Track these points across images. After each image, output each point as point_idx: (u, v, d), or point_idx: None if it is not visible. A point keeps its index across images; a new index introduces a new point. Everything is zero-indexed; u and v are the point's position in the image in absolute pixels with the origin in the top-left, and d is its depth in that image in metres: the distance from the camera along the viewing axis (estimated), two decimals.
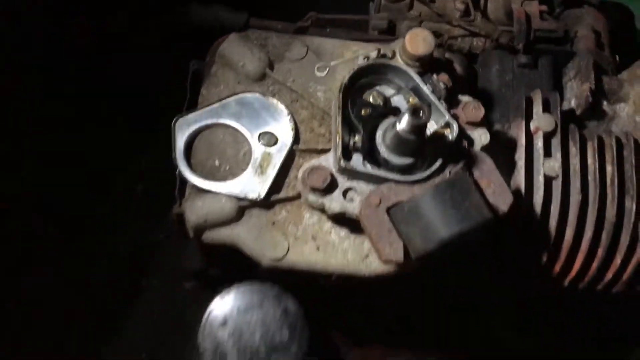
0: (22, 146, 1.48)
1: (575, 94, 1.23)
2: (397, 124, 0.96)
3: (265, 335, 0.76)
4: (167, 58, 1.54)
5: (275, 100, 1.15)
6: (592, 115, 1.24)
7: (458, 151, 1.04)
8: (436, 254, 0.97)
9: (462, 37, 1.29)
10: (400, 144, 1.00)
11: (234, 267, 1.15)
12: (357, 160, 1.02)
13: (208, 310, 0.78)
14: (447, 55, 1.20)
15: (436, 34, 1.21)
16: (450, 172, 1.00)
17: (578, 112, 1.23)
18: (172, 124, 1.11)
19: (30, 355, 1.38)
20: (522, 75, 1.26)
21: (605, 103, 1.26)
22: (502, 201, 1.01)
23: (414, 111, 0.91)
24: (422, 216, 0.95)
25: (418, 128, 0.93)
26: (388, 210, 0.99)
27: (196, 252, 1.33)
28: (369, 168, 1.01)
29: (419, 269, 1.08)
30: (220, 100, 1.14)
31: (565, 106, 1.25)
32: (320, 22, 1.25)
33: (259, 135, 1.12)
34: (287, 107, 1.14)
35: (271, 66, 1.16)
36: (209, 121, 1.13)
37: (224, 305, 0.78)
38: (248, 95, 1.15)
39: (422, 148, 1.01)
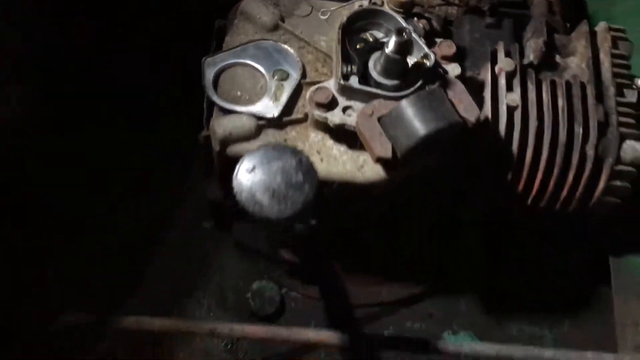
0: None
1: (532, 48, 1.49)
2: (386, 47, 1.22)
3: (284, 177, 0.98)
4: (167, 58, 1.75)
5: (286, 46, 1.41)
6: (548, 66, 1.50)
7: (435, 76, 1.29)
8: (417, 151, 1.21)
9: (439, 6, 1.57)
10: (388, 67, 1.25)
11: None
12: (353, 81, 1.27)
13: (239, 163, 1.01)
14: (426, 14, 1.47)
15: (417, 2, 1.49)
16: (428, 88, 1.25)
17: (535, 62, 1.48)
18: (202, 62, 1.37)
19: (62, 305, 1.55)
20: (488, 34, 1.53)
21: (557, 57, 1.52)
22: (471, 114, 1.26)
23: (399, 31, 1.17)
24: (406, 120, 1.20)
25: (402, 46, 1.19)
26: (379, 119, 1.24)
27: (214, 189, 1.57)
28: (363, 86, 1.26)
29: (403, 179, 1.32)
30: (241, 45, 1.40)
31: (526, 61, 1.51)
32: None
33: (273, 72, 1.38)
34: (295, 51, 1.40)
35: (282, 20, 1.43)
36: (232, 61, 1.38)
37: (251, 158, 1.00)
38: (264, 41, 1.41)
39: (405, 71, 1.27)
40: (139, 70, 1.79)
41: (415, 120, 1.19)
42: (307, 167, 1.00)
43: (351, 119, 1.27)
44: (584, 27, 1.51)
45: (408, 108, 1.20)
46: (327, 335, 1.38)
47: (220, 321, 1.43)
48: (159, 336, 1.49)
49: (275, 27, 1.43)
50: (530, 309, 1.73)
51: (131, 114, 1.79)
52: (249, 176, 0.99)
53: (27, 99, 1.63)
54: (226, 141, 1.31)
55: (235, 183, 1.00)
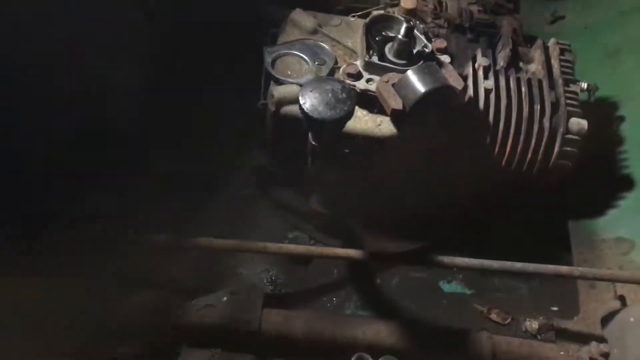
0: None
1: (502, 56, 2.03)
2: (398, 34, 1.75)
3: (333, 94, 1.45)
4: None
5: (323, 44, 1.94)
6: (514, 69, 2.03)
7: (432, 60, 1.81)
8: (420, 106, 1.70)
9: (432, 27, 2.13)
10: (399, 49, 1.78)
11: (293, 146, 1.84)
12: (374, 59, 1.79)
13: (302, 88, 1.49)
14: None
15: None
16: (426, 63, 1.76)
17: (505, 66, 2.02)
18: (264, 50, 1.89)
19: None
20: (470, 46, 2.07)
21: (521, 63, 2.06)
22: (458, 84, 1.76)
23: (407, 20, 1.71)
24: (411, 83, 1.69)
25: (409, 31, 1.72)
26: (393, 85, 1.74)
27: (261, 155, 2.04)
28: (381, 62, 1.78)
29: (410, 137, 1.80)
30: (290, 42, 1.93)
31: (497, 66, 2.04)
32: (349, 8, 2.10)
33: (314, 59, 1.89)
34: (329, 47, 1.93)
35: (320, 26, 1.97)
36: (285, 51, 1.91)
37: (312, 83, 1.48)
38: (307, 40, 1.94)
39: (411, 54, 1.79)
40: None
41: (418, 82, 1.68)
42: (347, 89, 1.48)
43: (372, 87, 1.77)
44: (539, 41, 2.05)
45: (413, 75, 1.70)
46: (351, 252, 1.79)
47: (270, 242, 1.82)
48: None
49: (315, 31, 1.97)
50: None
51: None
52: (310, 94, 1.47)
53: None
54: (280, 102, 1.79)
55: (301, 98, 1.47)
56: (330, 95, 1.47)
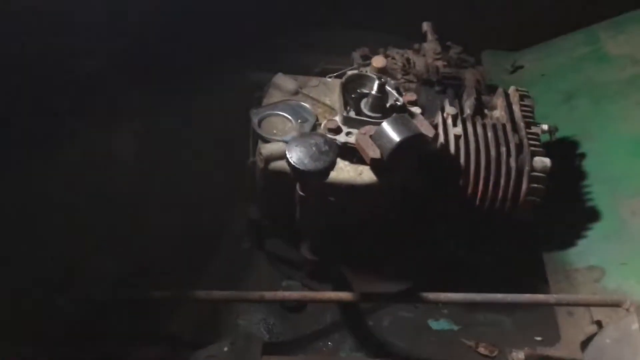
0: None
1: (468, 105, 2.22)
2: (371, 90, 1.93)
3: (316, 147, 1.60)
4: None
5: (304, 104, 2.11)
6: (479, 115, 2.22)
7: (405, 112, 1.99)
8: (396, 155, 1.85)
9: (403, 83, 2.32)
10: (373, 104, 1.95)
11: (283, 198, 1.98)
12: (352, 114, 1.96)
13: (289, 143, 1.65)
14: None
15: None
16: (399, 114, 1.94)
17: (471, 113, 2.20)
18: (250, 112, 2.05)
19: None
20: (438, 97, 2.27)
21: (485, 110, 2.25)
22: (430, 132, 1.93)
23: (379, 77, 1.89)
24: (386, 134, 1.85)
25: (382, 87, 1.90)
26: (370, 136, 1.90)
27: (255, 209, 2.18)
28: (358, 117, 1.95)
29: (389, 183, 1.96)
30: (274, 103, 2.10)
31: (464, 114, 2.23)
32: (325, 71, 2.29)
33: (297, 118, 2.06)
34: (310, 106, 2.11)
35: (300, 88, 2.15)
36: (269, 112, 2.07)
37: (296, 139, 1.64)
38: (289, 101, 2.12)
39: (385, 108, 1.97)
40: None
41: (393, 132, 1.85)
42: (330, 142, 1.64)
43: (352, 139, 1.93)
44: (500, 90, 2.26)
45: (387, 126, 1.86)
46: (342, 295, 1.91)
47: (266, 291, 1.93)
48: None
49: (296, 93, 2.14)
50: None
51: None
52: (295, 148, 1.62)
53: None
54: (269, 159, 1.94)
55: (288, 153, 1.63)
56: (314, 148, 1.63)
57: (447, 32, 2.79)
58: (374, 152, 1.87)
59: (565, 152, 2.45)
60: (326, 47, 2.78)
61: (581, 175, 2.38)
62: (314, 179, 1.66)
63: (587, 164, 2.40)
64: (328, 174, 1.65)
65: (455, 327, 2.22)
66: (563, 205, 2.30)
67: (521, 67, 2.89)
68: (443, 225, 2.17)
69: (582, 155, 2.43)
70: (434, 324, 2.22)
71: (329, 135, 1.92)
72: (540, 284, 2.23)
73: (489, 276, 2.23)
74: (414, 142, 1.86)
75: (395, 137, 1.83)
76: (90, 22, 1.85)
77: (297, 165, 1.60)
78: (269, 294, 1.89)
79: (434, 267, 2.26)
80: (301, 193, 1.76)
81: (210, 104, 2.30)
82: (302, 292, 1.94)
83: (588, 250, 2.20)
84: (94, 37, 1.83)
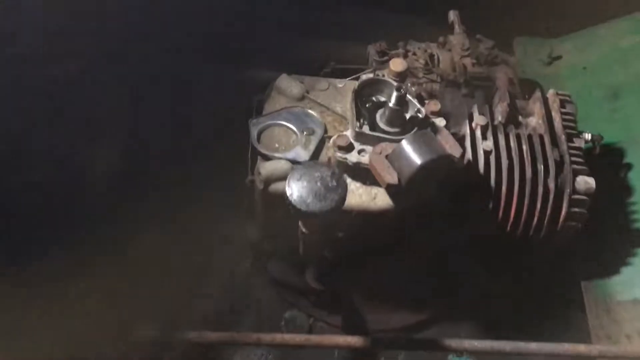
0: None
1: (500, 111, 1.92)
2: (389, 102, 1.64)
3: (322, 183, 1.34)
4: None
5: (311, 111, 1.83)
6: (513, 124, 1.92)
7: (426, 125, 1.70)
8: (417, 179, 1.58)
9: (425, 83, 2.02)
10: (391, 117, 1.67)
11: (284, 223, 1.73)
12: (365, 129, 1.68)
13: (289, 175, 1.38)
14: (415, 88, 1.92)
15: (410, 83, 1.95)
16: (421, 131, 1.65)
17: (503, 121, 1.91)
18: (249, 123, 1.78)
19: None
20: (465, 101, 1.97)
21: (520, 117, 1.95)
22: (456, 151, 1.65)
23: (398, 88, 1.60)
24: (406, 154, 1.58)
25: (401, 99, 1.61)
26: (386, 156, 1.63)
27: (254, 231, 1.93)
28: (373, 132, 1.67)
29: (407, 208, 1.69)
30: (277, 111, 1.82)
31: (495, 121, 1.93)
32: (336, 70, 1.99)
33: (302, 129, 1.79)
34: (318, 114, 1.82)
35: (307, 92, 1.87)
36: (271, 122, 1.80)
37: (299, 170, 1.37)
38: (294, 108, 1.84)
39: (404, 121, 1.68)
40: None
41: (414, 154, 1.57)
42: (338, 176, 1.37)
43: (365, 159, 1.65)
44: (537, 93, 1.95)
45: (407, 145, 1.59)
46: (352, 340, 1.67)
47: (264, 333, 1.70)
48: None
49: (302, 98, 1.86)
50: (520, 332, 2.00)
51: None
52: (297, 183, 1.36)
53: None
54: (268, 180, 1.68)
55: (288, 189, 1.36)
56: (319, 183, 1.36)
57: (475, 15, 2.48)
58: (390, 177, 1.60)
59: (609, 161, 2.15)
60: (337, 31, 2.48)
61: (627, 190, 2.09)
62: (318, 221, 1.40)
63: (635, 176, 2.10)
64: (336, 214, 1.38)
65: None
66: (605, 226, 2.02)
67: (559, 57, 2.56)
68: (468, 250, 1.90)
69: (629, 166, 2.13)
70: None
71: (339, 154, 1.66)
72: (577, 318, 1.98)
73: (519, 308, 1.98)
74: (438, 164, 1.59)
75: (417, 159, 1.56)
76: (72, 24, 1.58)
77: (297, 206, 1.33)
78: (266, 337, 1.66)
79: (456, 296, 2.01)
80: (304, 230, 1.50)
81: (206, 107, 2.02)
82: (305, 336, 1.70)
83: (633, 281, 1.94)
84: (77, 39, 1.57)
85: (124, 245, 1.96)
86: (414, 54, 2.06)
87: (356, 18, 2.62)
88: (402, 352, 1.98)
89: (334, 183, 1.37)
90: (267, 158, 1.72)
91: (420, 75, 2.03)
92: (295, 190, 1.35)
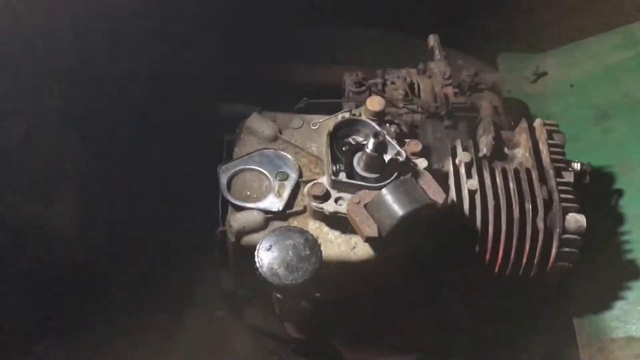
0: None
1: (484, 143, 1.82)
2: (366, 148, 1.53)
3: (295, 252, 1.24)
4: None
5: (284, 153, 1.72)
6: (498, 157, 1.82)
7: (407, 169, 1.60)
8: (398, 230, 1.48)
9: (405, 114, 1.91)
10: (369, 163, 1.56)
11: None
12: (342, 176, 1.57)
13: (259, 244, 1.27)
14: (395, 121, 1.81)
15: (387, 112, 1.84)
16: (402, 178, 1.55)
17: (488, 154, 1.81)
18: (217, 170, 1.67)
19: None
20: (448, 133, 1.87)
21: (505, 149, 1.85)
22: (439, 197, 1.55)
23: (375, 134, 1.49)
24: (387, 205, 1.48)
25: (379, 146, 1.50)
26: (365, 206, 1.52)
27: (228, 281, 1.82)
28: (350, 180, 1.56)
29: (389, 257, 1.59)
30: (248, 154, 1.71)
31: (480, 154, 1.83)
32: (310, 105, 1.87)
33: (275, 174, 1.68)
34: (292, 156, 1.72)
35: (280, 132, 1.76)
36: (241, 167, 1.69)
37: (269, 239, 1.27)
38: (266, 150, 1.73)
39: (383, 166, 1.58)
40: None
41: (394, 204, 1.47)
42: (312, 243, 1.27)
43: (342, 208, 1.55)
44: (523, 124, 1.85)
45: (387, 195, 1.49)
46: None
47: None
48: None
49: (274, 138, 1.75)
50: None
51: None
52: (267, 253, 1.26)
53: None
54: (240, 233, 1.58)
55: (257, 260, 1.26)
56: (291, 253, 1.26)
57: (457, 30, 2.38)
58: (370, 229, 1.50)
59: (599, 187, 2.06)
60: (311, 49, 2.37)
61: (618, 218, 2.00)
62: (293, 292, 1.29)
63: (626, 204, 2.02)
64: (309, 285, 1.28)
65: None
66: (596, 258, 1.93)
67: (545, 74, 2.45)
68: (454, 294, 1.81)
69: (619, 192, 2.04)
70: None
71: (314, 204, 1.55)
72: (569, 356, 1.89)
73: (508, 348, 1.89)
74: (420, 213, 1.49)
75: (398, 210, 1.46)
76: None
77: (268, 279, 1.23)
78: None
79: (442, 339, 1.93)
80: (278, 296, 1.40)
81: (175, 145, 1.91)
82: None
83: (627, 316, 1.85)
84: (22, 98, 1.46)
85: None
86: (393, 83, 1.95)
87: (331, 34, 2.52)
88: None
89: (307, 252, 1.27)
90: (238, 208, 1.61)
91: (400, 105, 1.92)
92: (265, 261, 1.25)
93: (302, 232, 1.30)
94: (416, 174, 1.59)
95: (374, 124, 1.65)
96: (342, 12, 2.50)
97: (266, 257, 1.25)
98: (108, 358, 1.81)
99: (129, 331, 1.86)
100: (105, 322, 1.83)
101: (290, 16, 2.38)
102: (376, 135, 1.50)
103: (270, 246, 1.26)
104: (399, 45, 2.48)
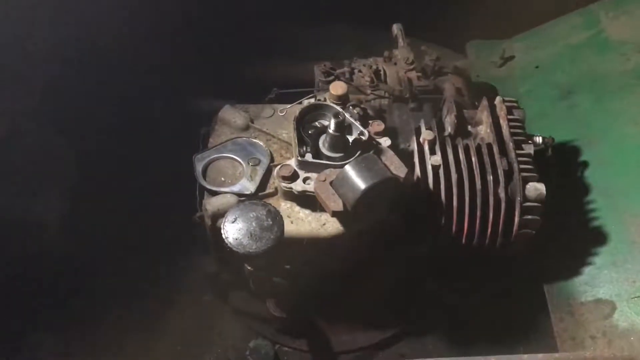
0: None
1: (448, 123, 1.92)
2: (328, 128, 1.63)
3: (258, 222, 1.33)
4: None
5: (256, 140, 1.82)
6: (462, 135, 1.92)
7: (370, 147, 1.69)
8: (362, 203, 1.57)
9: (373, 99, 2.01)
10: (332, 143, 1.66)
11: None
12: (308, 157, 1.67)
13: (224, 217, 1.37)
14: (362, 105, 1.91)
15: (355, 97, 1.94)
16: (364, 155, 1.64)
17: (452, 133, 1.90)
18: (193, 159, 1.77)
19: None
20: (413, 115, 1.97)
21: (469, 127, 1.94)
22: (400, 172, 1.64)
23: (335, 114, 1.59)
24: (350, 180, 1.57)
25: (340, 125, 1.60)
26: (331, 183, 1.62)
27: (211, 263, 1.91)
28: (316, 160, 1.66)
29: (358, 232, 1.68)
30: (222, 143, 1.81)
31: (445, 133, 1.92)
32: (281, 95, 1.98)
33: (248, 160, 1.78)
34: (264, 143, 1.81)
35: (252, 121, 1.86)
36: (215, 155, 1.79)
37: (233, 212, 1.36)
38: (239, 139, 1.83)
39: (347, 146, 1.67)
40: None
41: (357, 179, 1.56)
42: (274, 214, 1.37)
43: (310, 186, 1.64)
44: (484, 102, 1.94)
45: (350, 171, 1.58)
46: None
47: None
48: None
49: (247, 127, 1.85)
50: (488, 342, 1.99)
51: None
52: (232, 225, 1.35)
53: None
54: (215, 216, 1.67)
55: (223, 231, 1.35)
56: (254, 224, 1.35)
57: (427, 20, 2.48)
58: (335, 204, 1.59)
59: (564, 160, 2.14)
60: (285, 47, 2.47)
61: (582, 188, 2.08)
62: (257, 260, 1.39)
63: (590, 175, 2.10)
64: (273, 253, 1.37)
65: None
66: (563, 227, 2.01)
67: (512, 57, 2.55)
68: (425, 265, 1.90)
69: (584, 164, 2.13)
70: None
71: (283, 184, 1.65)
72: (542, 321, 1.97)
73: (482, 317, 1.97)
74: (383, 187, 1.58)
75: (360, 184, 1.55)
76: None
77: (234, 249, 1.33)
78: None
79: (420, 311, 2.01)
80: (249, 268, 1.49)
81: (154, 139, 2.01)
82: None
83: (594, 281, 1.93)
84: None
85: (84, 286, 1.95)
86: (360, 71, 2.05)
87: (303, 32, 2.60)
88: None
89: (269, 222, 1.36)
90: (213, 193, 1.71)
91: (368, 92, 2.02)
92: (230, 232, 1.35)
93: (265, 204, 1.40)
94: (379, 151, 1.69)
95: (337, 107, 1.74)
96: (317, 9, 2.59)
97: (231, 228, 1.35)
98: (99, 349, 1.89)
99: (118, 321, 1.94)
100: (94, 313, 1.91)
101: (267, 14, 2.48)
102: (336, 115, 1.60)
103: (235, 219, 1.36)
104: (372, 38, 2.57)
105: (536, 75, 2.44)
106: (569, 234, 2.02)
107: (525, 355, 1.64)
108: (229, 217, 1.36)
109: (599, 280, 1.92)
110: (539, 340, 1.98)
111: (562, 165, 2.12)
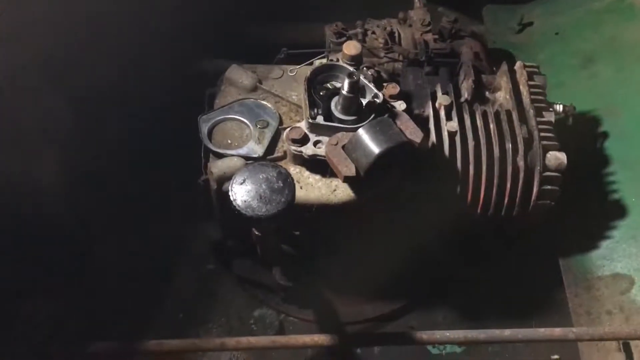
0: None
1: (465, 88, 1.83)
2: (342, 89, 1.54)
3: (268, 184, 1.26)
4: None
5: (264, 102, 1.74)
6: (480, 100, 1.83)
7: (385, 110, 1.61)
8: (375, 168, 1.50)
9: (386, 62, 1.92)
10: (345, 105, 1.57)
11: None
12: (319, 119, 1.59)
13: (232, 178, 1.30)
14: (375, 68, 1.82)
15: (368, 60, 1.85)
16: (378, 118, 1.56)
17: (469, 98, 1.81)
18: (198, 119, 1.68)
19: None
20: (428, 80, 1.87)
21: (487, 93, 1.86)
22: (416, 137, 1.56)
23: (349, 75, 1.51)
24: (363, 144, 1.49)
25: (354, 86, 1.52)
26: (343, 147, 1.54)
27: (215, 229, 1.85)
28: (327, 122, 1.58)
29: (370, 198, 1.61)
30: (228, 104, 1.73)
31: (462, 99, 1.84)
32: (290, 55, 1.89)
33: (256, 122, 1.69)
34: (272, 105, 1.73)
35: (260, 82, 1.77)
36: (222, 117, 1.71)
37: (242, 173, 1.29)
38: (246, 100, 1.74)
39: (360, 109, 1.59)
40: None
41: (371, 143, 1.48)
42: (285, 176, 1.29)
43: (321, 150, 1.57)
44: (504, 67, 1.85)
45: (364, 134, 1.50)
46: (320, 338, 1.60)
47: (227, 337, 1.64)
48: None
49: (254, 88, 1.76)
50: (500, 315, 1.94)
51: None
52: (241, 187, 1.28)
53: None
54: (221, 179, 1.59)
55: (231, 193, 1.28)
56: (264, 186, 1.28)
57: None
58: (348, 169, 1.51)
59: (584, 130, 2.06)
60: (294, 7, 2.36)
61: (603, 160, 2.01)
62: (267, 224, 1.32)
63: (610, 146, 2.02)
64: (285, 217, 1.30)
65: (459, 349, 1.92)
66: (582, 199, 1.94)
67: (530, 24, 2.44)
68: (439, 236, 1.83)
69: (604, 135, 2.05)
70: (434, 349, 1.92)
71: (293, 148, 1.57)
72: (556, 296, 1.91)
73: (495, 290, 1.91)
74: (397, 152, 1.50)
75: (374, 148, 1.47)
76: None
77: (243, 212, 1.25)
78: (230, 341, 1.59)
79: (430, 282, 1.95)
80: (257, 233, 1.42)
81: (159, 100, 1.92)
82: (271, 338, 1.63)
83: (613, 254, 1.86)
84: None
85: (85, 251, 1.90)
86: (373, 32, 1.96)
87: None
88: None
89: (280, 184, 1.28)
90: (219, 155, 1.64)
91: (382, 54, 1.93)
92: (238, 194, 1.27)
93: (275, 166, 1.32)
94: (394, 115, 1.60)
95: (350, 67, 1.66)
96: None
97: (239, 190, 1.27)
98: (99, 315, 1.83)
99: (119, 288, 1.88)
100: (94, 279, 1.86)
101: None
102: (350, 75, 1.51)
103: (244, 180, 1.28)
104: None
105: (556, 42, 2.34)
106: (586, 206, 1.95)
107: (542, 329, 1.59)
108: (238, 178, 1.28)
109: (618, 255, 1.86)
110: (553, 314, 1.93)
111: (581, 135, 2.04)
